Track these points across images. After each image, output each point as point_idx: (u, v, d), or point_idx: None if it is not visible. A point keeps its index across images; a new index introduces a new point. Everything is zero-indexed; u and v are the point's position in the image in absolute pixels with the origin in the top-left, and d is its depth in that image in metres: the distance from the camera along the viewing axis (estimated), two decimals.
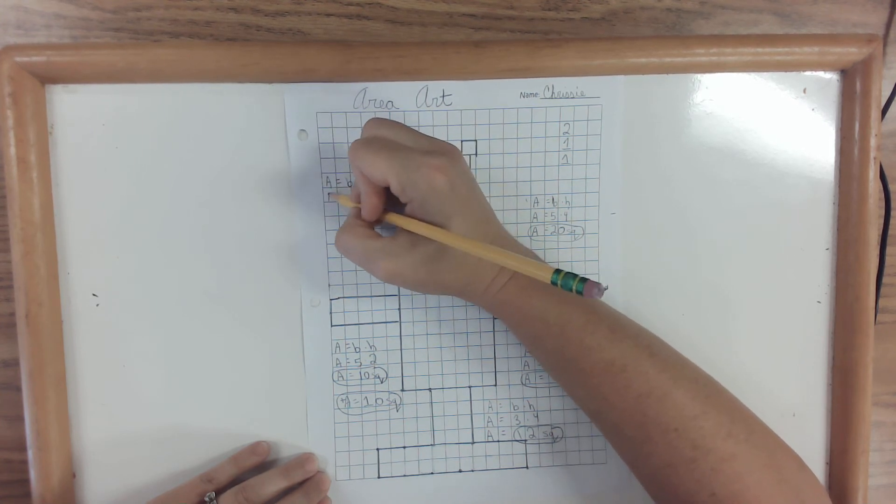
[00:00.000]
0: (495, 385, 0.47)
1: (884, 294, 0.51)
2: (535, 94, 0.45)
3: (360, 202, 0.41)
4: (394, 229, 0.42)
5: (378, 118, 0.41)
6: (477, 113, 0.45)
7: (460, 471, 0.48)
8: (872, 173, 0.46)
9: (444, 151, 0.39)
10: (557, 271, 0.31)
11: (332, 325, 0.46)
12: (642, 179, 0.47)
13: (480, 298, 0.42)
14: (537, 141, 0.46)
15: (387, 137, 0.39)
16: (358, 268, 0.46)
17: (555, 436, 0.48)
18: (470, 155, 0.46)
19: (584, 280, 0.30)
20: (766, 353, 0.48)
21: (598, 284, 0.30)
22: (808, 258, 0.48)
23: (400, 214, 0.40)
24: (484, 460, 0.48)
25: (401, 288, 0.46)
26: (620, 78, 0.45)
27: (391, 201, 0.41)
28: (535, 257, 0.44)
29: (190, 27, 0.46)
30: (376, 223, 0.42)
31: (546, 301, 0.41)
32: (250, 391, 0.46)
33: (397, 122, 0.40)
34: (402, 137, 0.39)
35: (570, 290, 0.31)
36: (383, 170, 0.37)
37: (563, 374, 0.42)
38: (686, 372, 0.41)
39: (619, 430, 0.41)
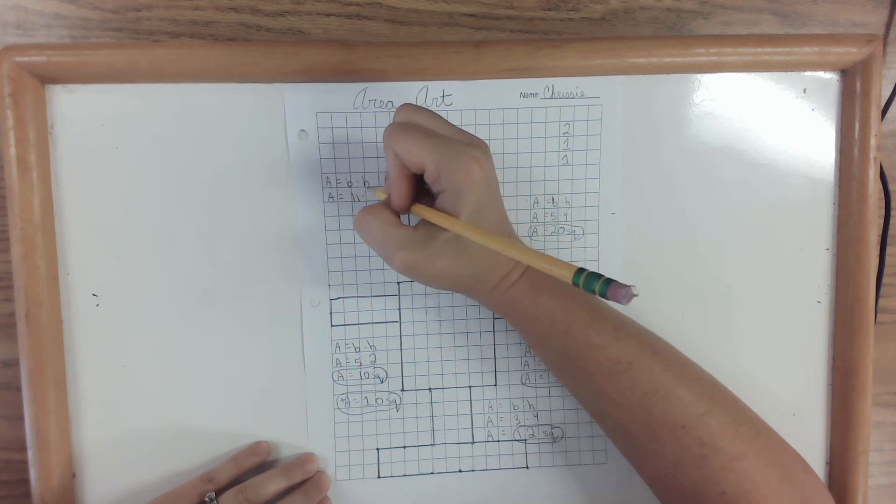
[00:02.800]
0: (495, 385, 0.47)
1: (884, 294, 0.51)
2: (535, 95, 0.45)
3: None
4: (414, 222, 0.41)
5: (410, 104, 0.39)
6: (477, 113, 0.45)
7: (460, 471, 0.48)
8: (872, 173, 0.46)
9: (478, 144, 0.38)
10: (580, 270, 0.29)
11: (332, 325, 0.46)
12: (642, 179, 0.47)
13: (489, 296, 0.42)
14: (537, 141, 0.46)
15: (422, 124, 0.38)
16: (358, 268, 0.46)
17: (555, 436, 0.48)
18: None
19: (608, 282, 0.27)
20: (767, 353, 0.48)
21: (625, 287, 0.27)
22: (808, 258, 0.48)
23: (428, 207, 0.39)
24: (484, 460, 0.48)
25: (401, 286, 0.46)
26: (620, 78, 0.45)
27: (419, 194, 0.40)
28: None
29: (190, 27, 0.46)
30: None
31: (554, 300, 0.41)
32: (250, 391, 0.46)
33: (429, 110, 0.39)
34: (437, 126, 0.38)
35: (593, 291, 0.28)
36: (421, 155, 0.36)
37: (568, 373, 0.42)
38: (689, 370, 0.41)
39: (625, 429, 0.40)
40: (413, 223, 0.40)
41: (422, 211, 0.39)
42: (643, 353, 0.40)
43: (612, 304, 0.44)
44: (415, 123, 0.38)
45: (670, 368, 0.40)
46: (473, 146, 0.38)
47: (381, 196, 0.42)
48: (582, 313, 0.41)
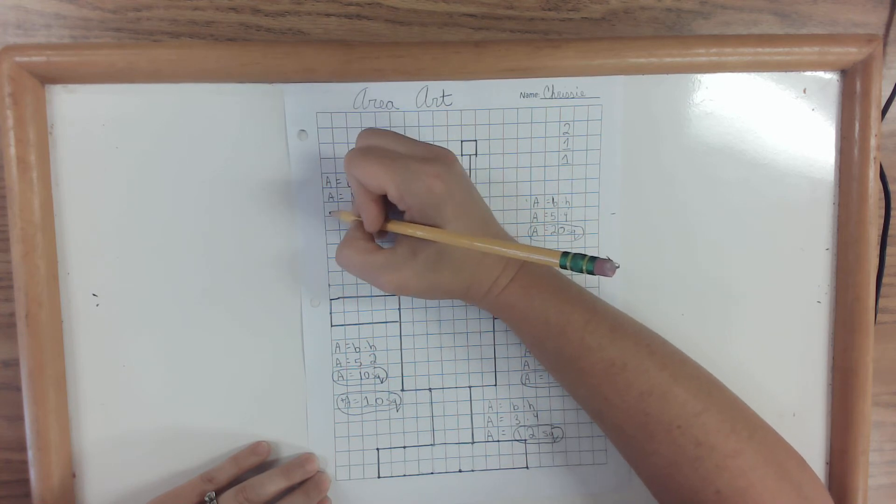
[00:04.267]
0: (495, 385, 0.47)
1: (884, 294, 0.51)
2: (535, 95, 0.45)
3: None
4: (393, 240, 0.42)
5: (370, 129, 0.41)
6: (477, 113, 0.45)
7: (460, 471, 0.48)
8: (872, 173, 0.46)
9: (439, 157, 0.39)
10: (565, 253, 0.31)
11: (332, 325, 0.46)
12: (642, 179, 0.47)
13: (482, 301, 0.42)
14: (537, 141, 0.46)
15: (381, 146, 0.39)
16: None
17: (555, 436, 0.48)
18: (470, 155, 0.46)
19: (593, 259, 0.29)
20: (766, 353, 0.48)
21: (608, 261, 0.29)
22: (808, 258, 0.48)
23: (401, 221, 0.40)
24: (484, 460, 0.48)
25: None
26: (620, 78, 0.45)
27: (389, 210, 0.41)
28: None
29: (190, 27, 0.46)
30: (378, 235, 0.42)
31: (547, 301, 0.41)
32: (250, 391, 0.46)
33: (390, 131, 0.40)
34: (397, 145, 0.39)
35: (581, 270, 0.30)
36: (381, 178, 0.37)
37: (565, 374, 0.43)
38: (686, 369, 0.41)
39: (622, 429, 0.41)
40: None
41: (398, 226, 0.40)
42: (639, 354, 0.40)
43: (607, 297, 0.44)
44: (374, 147, 0.39)
45: (666, 368, 0.40)
46: (433, 161, 0.38)
47: (347, 218, 0.43)
48: (576, 315, 0.41)
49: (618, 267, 0.30)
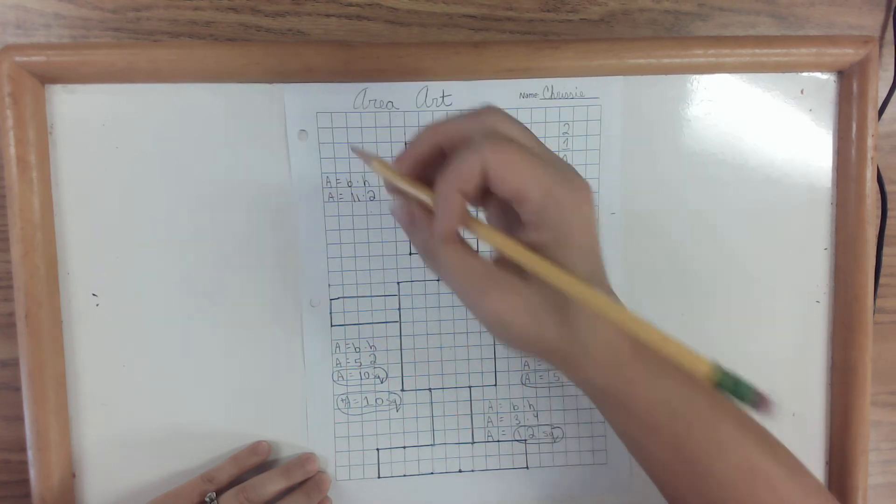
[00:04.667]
0: (495, 385, 0.47)
1: (881, 294, 0.51)
2: (535, 95, 0.45)
3: (408, 169, 0.32)
4: None
5: (500, 112, 0.31)
6: None
7: (460, 471, 0.48)
8: (869, 174, 0.46)
9: (579, 175, 0.30)
10: (722, 373, 0.26)
11: (332, 325, 0.46)
12: (642, 180, 0.47)
13: (596, 371, 0.32)
14: None
15: (521, 140, 0.30)
16: (358, 268, 0.46)
17: (555, 436, 0.48)
18: None
19: (755, 394, 0.25)
20: (766, 352, 0.48)
21: (768, 397, 0.25)
22: (806, 258, 0.48)
23: (505, 235, 0.30)
24: (484, 460, 0.48)
25: (401, 286, 0.46)
26: (619, 79, 0.46)
27: None
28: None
29: (190, 27, 0.46)
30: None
31: (670, 381, 0.32)
32: (250, 391, 0.46)
33: (522, 124, 0.31)
34: (534, 145, 0.31)
35: (737, 396, 0.25)
36: (526, 177, 0.28)
37: (684, 477, 0.33)
38: (812, 478, 0.33)
39: None
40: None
41: (506, 245, 0.29)
42: (764, 455, 0.32)
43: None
44: (513, 137, 0.30)
45: (793, 477, 0.32)
46: (578, 177, 0.30)
47: (382, 169, 0.33)
48: (703, 401, 0.32)
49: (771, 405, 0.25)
